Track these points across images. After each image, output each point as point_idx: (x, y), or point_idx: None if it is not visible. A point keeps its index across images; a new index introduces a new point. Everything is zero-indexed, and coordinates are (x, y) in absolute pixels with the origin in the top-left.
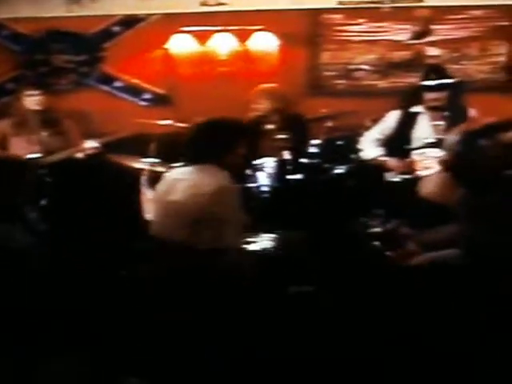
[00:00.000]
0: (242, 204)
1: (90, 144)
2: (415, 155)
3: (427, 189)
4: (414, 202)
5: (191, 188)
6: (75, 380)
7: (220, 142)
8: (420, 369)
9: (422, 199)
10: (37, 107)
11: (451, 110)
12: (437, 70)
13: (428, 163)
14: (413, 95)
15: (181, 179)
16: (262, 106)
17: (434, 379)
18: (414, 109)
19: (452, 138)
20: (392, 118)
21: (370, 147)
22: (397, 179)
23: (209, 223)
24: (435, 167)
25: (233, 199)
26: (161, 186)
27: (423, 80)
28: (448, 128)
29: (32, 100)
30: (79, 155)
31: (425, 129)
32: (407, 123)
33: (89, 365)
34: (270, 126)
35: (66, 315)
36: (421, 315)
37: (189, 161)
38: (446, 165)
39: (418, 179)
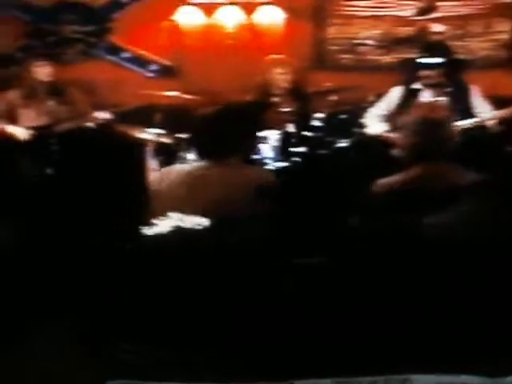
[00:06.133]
0: None
1: (102, 114)
2: None
3: None
4: None
5: None
6: (67, 343)
7: None
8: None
9: None
10: (43, 78)
11: (453, 87)
12: (433, 48)
13: None
14: (411, 72)
15: None
16: (274, 77)
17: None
18: (415, 85)
19: None
20: (395, 94)
21: (374, 123)
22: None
23: None
24: None
25: None
26: None
27: (422, 57)
28: (451, 104)
29: (38, 70)
30: (88, 125)
31: None
32: (410, 99)
33: (81, 328)
34: (275, 98)
35: (62, 280)
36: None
37: None
38: None
39: None
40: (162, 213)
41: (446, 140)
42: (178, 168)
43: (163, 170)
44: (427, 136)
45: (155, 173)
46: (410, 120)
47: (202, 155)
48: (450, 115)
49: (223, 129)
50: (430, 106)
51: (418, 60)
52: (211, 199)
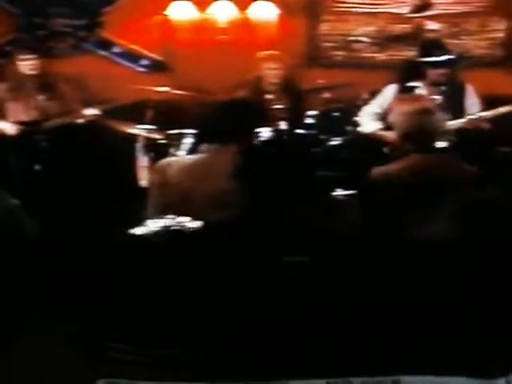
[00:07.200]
0: None
1: (91, 111)
2: None
3: None
4: None
5: None
6: (62, 346)
7: None
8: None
9: None
10: (31, 72)
11: (448, 85)
12: (439, 46)
13: None
14: (411, 70)
15: None
16: (266, 72)
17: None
18: (412, 83)
19: None
20: (389, 92)
21: (368, 121)
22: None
23: None
24: None
25: None
26: None
27: (424, 56)
28: (445, 102)
29: (26, 64)
30: (78, 121)
31: None
32: None
33: (76, 331)
34: (268, 95)
35: (54, 281)
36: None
37: None
38: None
39: None
40: (158, 207)
41: (437, 129)
42: (176, 160)
43: (161, 162)
44: (418, 125)
45: (155, 165)
46: (400, 111)
47: (207, 140)
48: (436, 105)
49: (232, 117)
50: (417, 97)
51: (427, 59)
52: (213, 188)
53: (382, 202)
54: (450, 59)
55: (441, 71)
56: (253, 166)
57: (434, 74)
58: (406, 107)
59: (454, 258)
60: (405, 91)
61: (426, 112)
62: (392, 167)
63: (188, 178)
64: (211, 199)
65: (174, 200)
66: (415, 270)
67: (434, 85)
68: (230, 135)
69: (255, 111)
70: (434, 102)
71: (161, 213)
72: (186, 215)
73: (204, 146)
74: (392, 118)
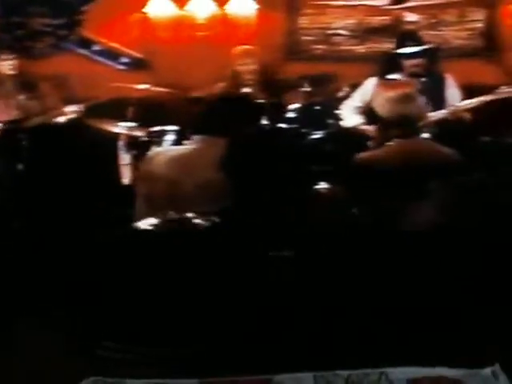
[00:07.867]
0: None
1: (72, 109)
2: None
3: None
4: None
5: None
6: (51, 344)
7: None
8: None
9: None
10: (11, 71)
11: (428, 76)
12: (412, 37)
13: None
14: (389, 62)
15: None
16: (242, 67)
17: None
18: (391, 75)
19: None
20: (370, 85)
21: (350, 115)
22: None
23: None
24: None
25: None
26: None
27: (399, 47)
28: (425, 94)
29: (5, 64)
30: (58, 119)
31: None
32: None
33: (65, 329)
34: (247, 90)
35: (40, 280)
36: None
37: None
38: None
39: None
40: (146, 199)
41: (419, 114)
42: (164, 151)
43: (149, 153)
44: (401, 111)
45: (144, 157)
46: (383, 97)
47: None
48: (418, 91)
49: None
50: (399, 82)
51: (401, 50)
52: (200, 179)
53: (367, 188)
54: (423, 50)
55: (415, 62)
56: (235, 160)
57: (409, 64)
58: (389, 93)
59: (440, 246)
60: None
61: (408, 97)
62: (376, 153)
63: (176, 169)
64: (198, 189)
65: (161, 191)
66: (401, 259)
67: (412, 76)
68: (222, 129)
69: (249, 106)
70: (416, 87)
71: (149, 205)
72: (174, 207)
73: (193, 138)
74: (375, 104)
